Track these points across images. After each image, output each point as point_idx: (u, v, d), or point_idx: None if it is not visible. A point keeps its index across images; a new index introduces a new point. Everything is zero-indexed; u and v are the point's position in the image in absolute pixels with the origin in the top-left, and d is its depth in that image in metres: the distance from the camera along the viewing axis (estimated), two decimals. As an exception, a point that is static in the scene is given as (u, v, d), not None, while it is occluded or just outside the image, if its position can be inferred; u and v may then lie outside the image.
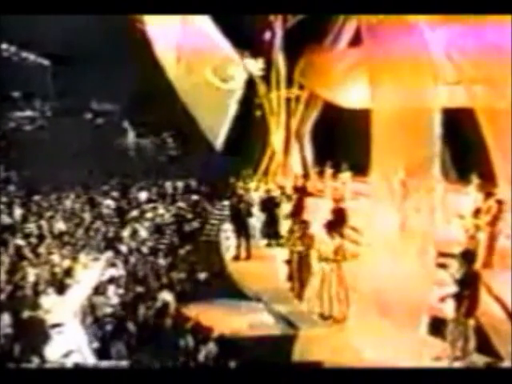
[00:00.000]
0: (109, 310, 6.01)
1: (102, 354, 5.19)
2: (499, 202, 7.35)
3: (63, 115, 17.27)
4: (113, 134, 17.40)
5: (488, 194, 7.97)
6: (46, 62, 16.23)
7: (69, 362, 4.92)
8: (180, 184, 13.97)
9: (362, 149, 8.23)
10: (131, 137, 17.76)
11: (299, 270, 7.22)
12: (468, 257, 5.49)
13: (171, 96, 13.35)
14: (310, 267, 7.08)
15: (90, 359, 5.07)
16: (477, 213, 7.46)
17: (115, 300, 6.33)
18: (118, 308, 6.14)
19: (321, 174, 12.15)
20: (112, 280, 6.79)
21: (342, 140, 11.70)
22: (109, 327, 5.65)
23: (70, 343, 5.26)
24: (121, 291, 6.52)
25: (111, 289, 6.52)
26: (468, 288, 5.28)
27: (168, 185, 13.96)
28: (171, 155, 16.11)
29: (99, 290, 6.36)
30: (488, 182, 8.23)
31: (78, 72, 15.73)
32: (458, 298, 5.26)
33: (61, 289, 6.37)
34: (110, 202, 12.62)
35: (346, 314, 6.28)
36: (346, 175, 11.20)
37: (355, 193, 10.67)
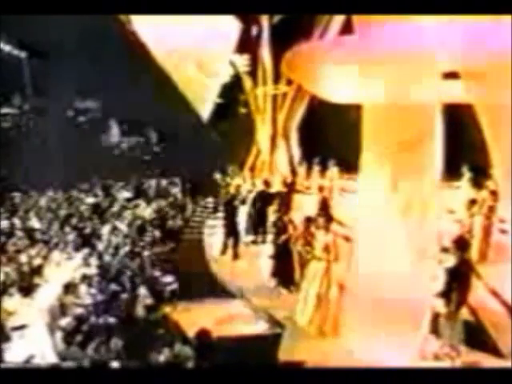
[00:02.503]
0: (80, 311, 5.57)
1: (65, 357, 4.77)
2: (493, 193, 7.15)
3: (44, 112, 16.81)
4: (95, 131, 17.02)
5: (481, 186, 7.81)
6: (22, 54, 15.74)
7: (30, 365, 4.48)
8: (164, 181, 13.67)
9: (351, 145, 8.02)
10: (115, 134, 17.35)
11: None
12: (461, 244, 5.15)
13: (156, 93, 13.06)
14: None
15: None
16: (471, 203, 7.26)
17: (88, 300, 5.90)
18: (90, 308, 5.73)
19: (308, 170, 11.93)
20: (85, 278, 6.35)
21: (329, 136, 11.55)
22: (79, 329, 5.23)
23: (32, 347, 4.82)
24: (93, 291, 6.08)
25: (83, 288, 6.09)
26: (459, 279, 4.96)
27: (152, 182, 13.66)
28: (155, 152, 15.76)
29: (70, 289, 5.91)
30: (480, 175, 8.04)
31: (59, 68, 15.30)
32: (447, 289, 4.94)
33: (28, 289, 5.92)
34: (90, 200, 12.24)
35: (335, 325, 5.79)
36: (333, 172, 11.00)
37: (343, 189, 10.46)
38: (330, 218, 6.61)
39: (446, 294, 4.91)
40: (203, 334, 4.71)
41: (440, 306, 4.94)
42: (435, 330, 5.01)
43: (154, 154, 15.75)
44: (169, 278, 7.14)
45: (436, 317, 5.01)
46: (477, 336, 5.10)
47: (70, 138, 15.64)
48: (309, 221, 6.92)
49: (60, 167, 14.25)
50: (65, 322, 5.24)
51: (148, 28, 12.93)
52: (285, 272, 7.23)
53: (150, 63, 13.05)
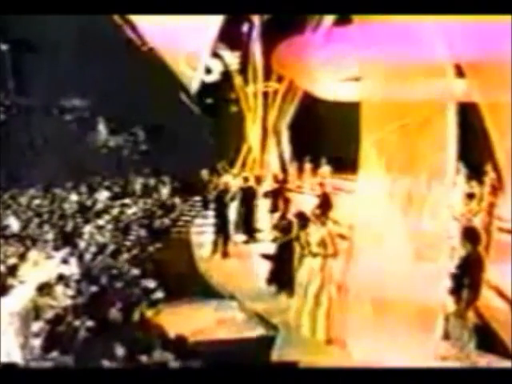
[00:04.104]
0: (54, 313, 5.17)
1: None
2: (493, 187, 6.91)
3: (29, 110, 16.44)
4: (82, 130, 16.70)
5: (478, 182, 7.63)
6: (4, 47, 15.33)
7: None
8: (151, 179, 13.41)
9: (344, 143, 7.79)
10: (102, 133, 17.00)
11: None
12: (470, 236, 4.73)
13: (145, 90, 12.78)
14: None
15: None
16: (469, 199, 7.03)
17: (65, 302, 5.50)
18: (67, 311, 5.34)
19: (299, 169, 11.71)
20: (62, 279, 5.94)
21: (322, 135, 11.41)
22: (52, 333, 4.84)
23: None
24: (71, 292, 5.68)
25: (60, 289, 5.68)
26: (470, 273, 4.59)
27: (139, 180, 13.39)
28: (143, 150, 15.46)
29: (45, 290, 5.50)
30: (476, 171, 7.85)
31: (45, 66, 14.97)
32: (457, 286, 4.59)
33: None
34: (74, 199, 11.90)
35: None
36: (325, 170, 10.78)
37: (336, 188, 10.24)
38: (327, 211, 6.26)
39: (455, 292, 4.56)
40: (180, 342, 4.40)
41: (449, 304, 4.60)
42: (445, 331, 4.68)
43: (141, 153, 15.47)
44: (153, 282, 6.76)
45: (446, 318, 4.67)
46: (484, 336, 4.80)
47: (57, 136, 15.38)
48: (301, 216, 6.55)
49: (45, 165, 13.99)
50: (37, 326, 4.84)
51: (136, 25, 12.71)
52: (280, 272, 6.87)
53: (139, 61, 12.82)
